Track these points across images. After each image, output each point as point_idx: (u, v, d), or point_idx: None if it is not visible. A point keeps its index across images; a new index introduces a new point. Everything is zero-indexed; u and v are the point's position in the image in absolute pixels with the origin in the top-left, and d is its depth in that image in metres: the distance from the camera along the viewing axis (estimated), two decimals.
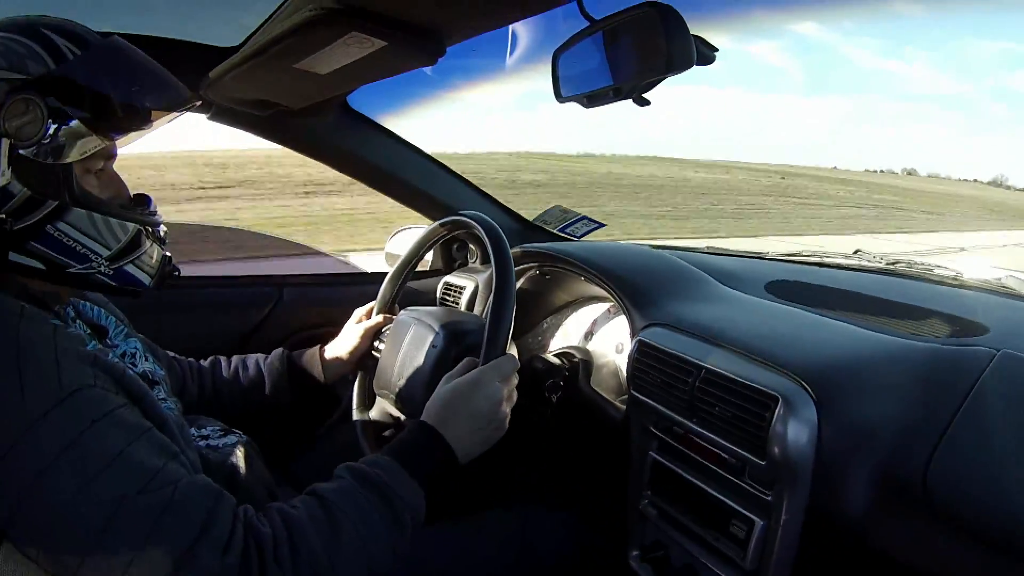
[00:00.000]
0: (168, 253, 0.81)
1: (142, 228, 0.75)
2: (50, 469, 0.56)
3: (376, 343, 1.12)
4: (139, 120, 0.71)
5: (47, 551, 0.57)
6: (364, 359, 1.13)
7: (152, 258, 0.78)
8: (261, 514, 0.65)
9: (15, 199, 0.65)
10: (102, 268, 0.72)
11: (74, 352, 0.62)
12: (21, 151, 0.65)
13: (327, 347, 1.13)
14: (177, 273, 0.84)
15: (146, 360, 0.87)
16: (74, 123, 0.66)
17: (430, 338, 0.97)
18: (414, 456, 0.74)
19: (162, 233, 0.79)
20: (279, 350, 1.13)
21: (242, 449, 0.88)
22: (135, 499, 0.57)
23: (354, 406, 1.11)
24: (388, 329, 1.10)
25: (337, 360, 1.11)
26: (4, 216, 0.65)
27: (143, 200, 0.79)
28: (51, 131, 0.65)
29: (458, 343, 0.95)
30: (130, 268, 0.75)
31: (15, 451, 0.56)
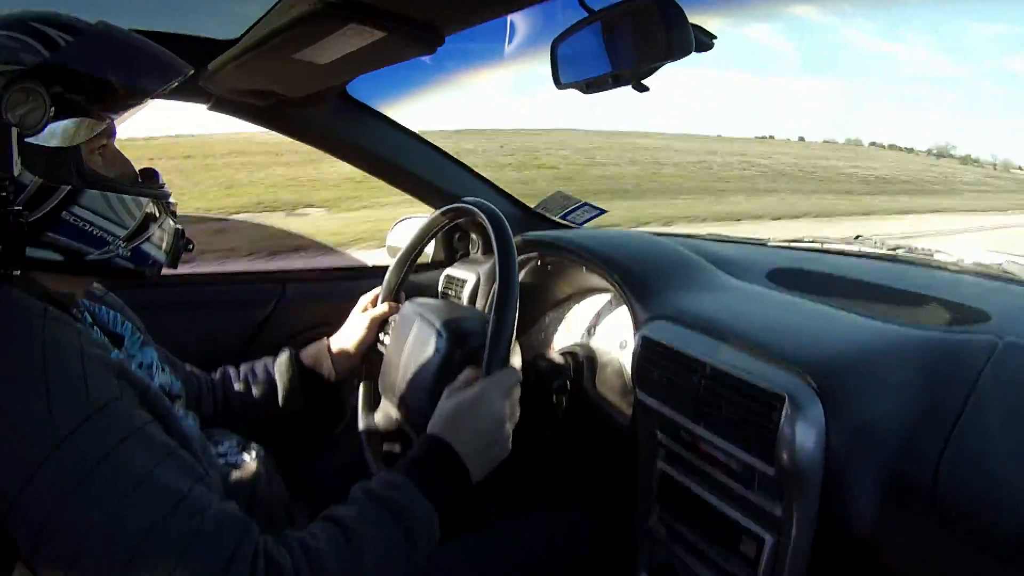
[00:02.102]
0: (180, 226, 0.81)
1: (155, 202, 0.75)
2: (79, 489, 0.55)
3: (381, 335, 1.11)
4: (137, 95, 0.72)
5: (74, 573, 0.56)
6: (371, 351, 1.12)
7: (166, 232, 0.78)
8: (280, 545, 0.64)
9: (27, 189, 0.65)
10: (120, 251, 0.72)
11: (100, 360, 0.62)
12: (27, 140, 0.65)
13: (333, 340, 1.12)
14: (191, 248, 0.83)
15: (163, 372, 0.86)
16: (76, 105, 0.67)
17: (433, 340, 0.95)
18: (428, 475, 0.73)
19: (173, 206, 0.79)
20: (286, 352, 1.11)
21: (260, 464, 0.88)
22: (164, 525, 0.57)
23: (359, 411, 1.10)
24: (393, 320, 1.10)
25: (344, 353, 1.10)
26: (20, 208, 0.65)
27: (150, 174, 0.79)
28: (53, 116, 0.65)
29: (461, 346, 0.93)
30: (146, 247, 0.75)
31: (43, 470, 0.55)
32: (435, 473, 0.74)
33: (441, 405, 0.81)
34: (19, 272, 0.66)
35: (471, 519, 0.94)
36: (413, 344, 0.99)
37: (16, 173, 0.64)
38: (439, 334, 0.95)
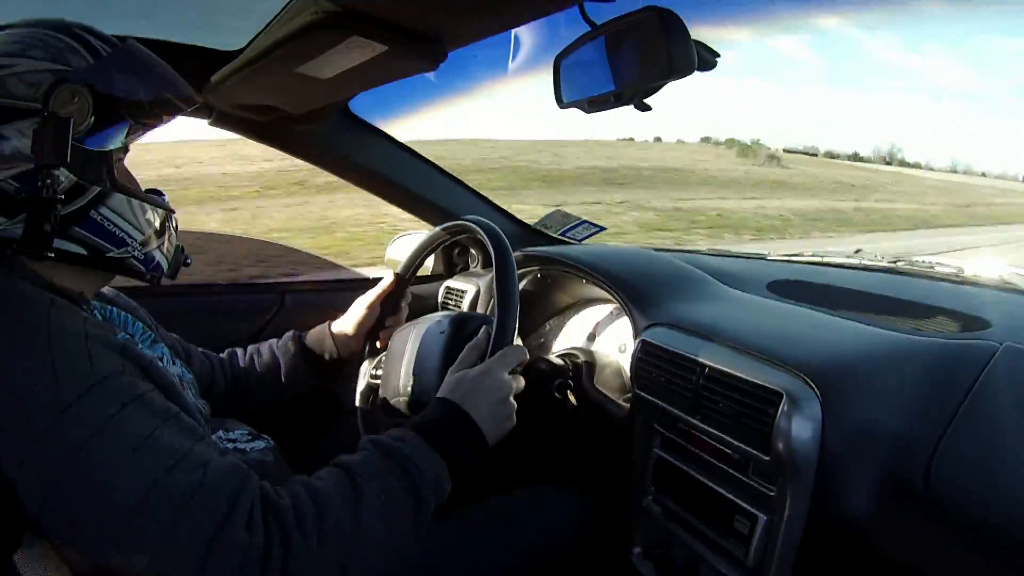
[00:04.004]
0: (180, 244, 0.84)
1: (165, 216, 0.79)
2: (82, 453, 0.57)
3: (374, 371, 1.09)
4: (169, 111, 0.76)
5: (79, 535, 0.58)
6: (371, 334, 1.12)
7: (173, 244, 0.81)
8: (281, 488, 0.65)
9: (62, 184, 0.67)
10: (135, 253, 0.75)
11: (103, 340, 0.64)
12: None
13: (334, 324, 1.13)
14: (188, 263, 0.86)
15: (173, 364, 0.88)
16: (113, 113, 0.70)
17: (436, 329, 0.95)
18: (436, 430, 0.75)
19: (175, 223, 0.83)
20: (290, 332, 1.13)
21: (270, 455, 0.89)
22: (165, 481, 0.58)
23: (358, 410, 1.10)
24: (389, 344, 1.07)
25: (344, 335, 1.11)
26: (63, 196, 0.67)
27: (155, 193, 0.82)
28: (94, 120, 0.68)
29: (464, 328, 0.94)
30: (156, 253, 0.78)
31: (47, 437, 0.57)
32: (444, 429, 0.76)
33: (448, 378, 0.82)
34: (52, 255, 0.68)
35: (472, 497, 0.93)
36: (414, 341, 0.98)
37: (68, 161, 0.66)
38: (440, 324, 0.96)
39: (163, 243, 0.79)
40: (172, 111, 0.76)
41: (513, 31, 0.92)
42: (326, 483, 0.67)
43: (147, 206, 0.75)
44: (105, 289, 0.87)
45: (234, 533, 0.58)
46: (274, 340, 1.13)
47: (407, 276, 1.14)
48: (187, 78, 0.78)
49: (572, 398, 1.16)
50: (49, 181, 0.65)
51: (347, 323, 1.12)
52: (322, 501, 0.64)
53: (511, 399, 0.81)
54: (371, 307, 1.11)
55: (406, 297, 1.15)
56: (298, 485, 0.66)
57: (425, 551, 0.89)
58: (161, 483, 0.58)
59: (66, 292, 0.72)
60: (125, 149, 0.76)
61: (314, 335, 1.12)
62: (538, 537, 1.01)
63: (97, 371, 0.60)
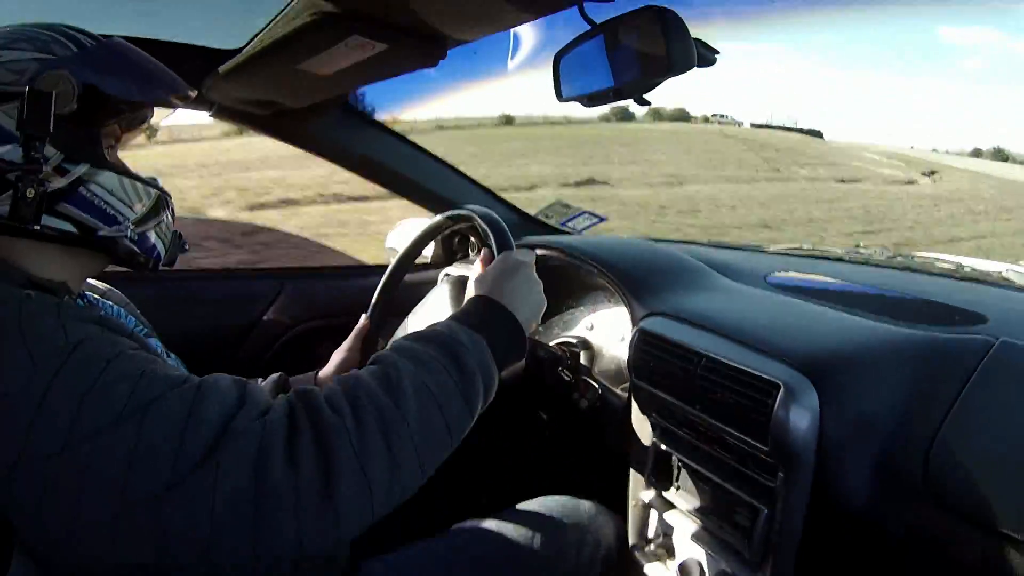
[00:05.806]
0: (178, 231, 0.83)
1: (160, 197, 0.77)
2: (78, 416, 0.54)
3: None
4: (157, 103, 0.75)
5: (79, 520, 0.54)
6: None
7: (169, 228, 0.79)
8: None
9: (50, 160, 0.67)
10: (128, 232, 0.73)
11: (77, 314, 0.62)
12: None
13: (321, 372, 1.09)
14: (186, 249, 0.84)
15: (169, 357, 0.86)
16: (98, 99, 0.69)
17: (432, 296, 0.92)
18: (469, 316, 0.74)
19: (172, 206, 0.81)
20: (276, 375, 1.07)
21: None
22: (165, 395, 0.56)
23: None
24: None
25: (326, 381, 1.06)
26: (50, 170, 0.66)
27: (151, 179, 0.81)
28: (78, 107, 0.67)
29: (462, 283, 0.91)
30: (151, 235, 0.76)
31: (37, 423, 0.54)
32: (477, 313, 0.74)
33: (469, 286, 0.81)
34: (38, 227, 0.66)
35: (468, 504, 0.92)
36: (414, 317, 0.95)
37: (51, 130, 0.65)
38: (436, 288, 0.94)
39: (159, 225, 0.77)
40: (160, 104, 0.75)
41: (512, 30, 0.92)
42: (356, 372, 0.65)
43: (139, 185, 0.74)
44: (96, 284, 0.86)
45: (247, 417, 0.57)
46: (259, 379, 1.07)
47: (379, 318, 1.12)
48: (188, 75, 0.77)
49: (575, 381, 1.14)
50: (36, 156, 0.64)
51: (330, 372, 1.08)
52: (353, 383, 0.62)
53: (534, 275, 0.82)
54: (351, 350, 1.08)
55: (378, 344, 1.12)
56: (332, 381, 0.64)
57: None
58: (161, 399, 0.56)
59: (48, 284, 0.69)
60: (118, 136, 0.76)
61: (298, 380, 1.07)
62: (537, 532, 0.99)
63: (71, 339, 0.58)
